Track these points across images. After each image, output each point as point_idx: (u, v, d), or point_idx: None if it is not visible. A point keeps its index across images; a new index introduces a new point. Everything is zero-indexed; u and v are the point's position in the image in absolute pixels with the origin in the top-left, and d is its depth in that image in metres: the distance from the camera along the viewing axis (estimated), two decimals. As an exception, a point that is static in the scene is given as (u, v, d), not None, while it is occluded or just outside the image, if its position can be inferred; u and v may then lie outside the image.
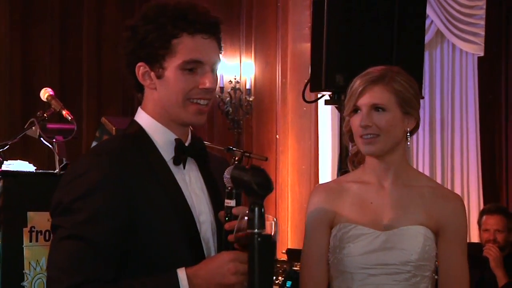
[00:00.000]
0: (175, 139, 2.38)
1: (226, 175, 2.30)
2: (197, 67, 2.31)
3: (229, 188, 2.35)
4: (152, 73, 2.32)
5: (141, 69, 2.33)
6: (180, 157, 2.38)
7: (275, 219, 2.28)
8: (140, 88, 2.38)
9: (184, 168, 2.40)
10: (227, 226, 2.35)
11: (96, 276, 2.17)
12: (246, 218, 2.22)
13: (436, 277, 2.92)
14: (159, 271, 2.23)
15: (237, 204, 2.37)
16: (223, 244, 2.35)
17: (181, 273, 2.20)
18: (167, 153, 2.37)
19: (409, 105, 2.87)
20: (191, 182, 2.42)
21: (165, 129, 2.37)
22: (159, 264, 2.26)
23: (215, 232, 2.43)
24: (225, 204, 2.38)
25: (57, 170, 4.17)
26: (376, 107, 2.83)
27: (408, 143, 2.92)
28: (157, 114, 2.36)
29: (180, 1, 2.34)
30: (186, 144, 2.42)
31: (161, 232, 2.28)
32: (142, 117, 2.39)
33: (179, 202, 2.35)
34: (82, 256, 2.18)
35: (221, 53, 2.41)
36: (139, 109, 2.41)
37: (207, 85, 2.32)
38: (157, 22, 2.29)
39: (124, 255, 2.25)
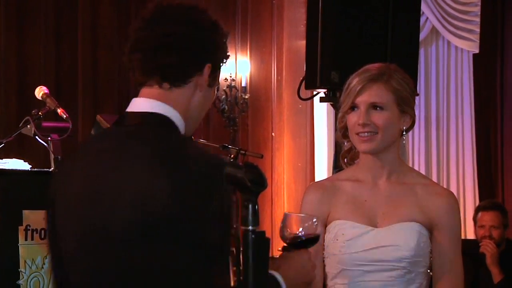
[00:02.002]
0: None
1: None
2: None
3: None
4: (210, 79, 2.32)
5: (208, 69, 2.31)
6: None
7: (314, 219, 2.45)
8: (182, 82, 2.31)
9: None
10: None
11: None
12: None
13: (431, 273, 2.93)
14: None
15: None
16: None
17: (278, 276, 2.29)
18: None
19: (406, 103, 2.88)
20: None
21: (184, 126, 2.33)
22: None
23: None
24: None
25: (52, 168, 4.17)
26: (374, 106, 2.84)
27: (404, 141, 2.94)
28: (185, 112, 2.31)
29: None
30: None
31: None
32: (174, 115, 2.27)
33: None
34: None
35: None
36: (163, 103, 2.27)
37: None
38: (226, 36, 2.36)
39: None
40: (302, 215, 2.51)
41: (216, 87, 2.38)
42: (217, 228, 2.15)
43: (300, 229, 2.45)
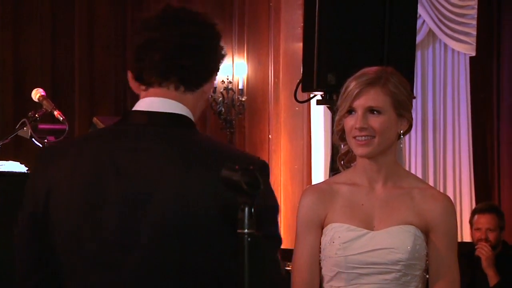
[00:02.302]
0: None
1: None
2: None
3: None
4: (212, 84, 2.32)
5: (215, 76, 2.32)
6: None
7: None
8: (195, 87, 2.30)
9: None
10: None
11: None
12: None
13: (427, 276, 2.94)
14: None
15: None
16: None
17: None
18: None
19: (403, 107, 2.88)
20: None
21: None
22: None
23: None
24: None
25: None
26: (371, 110, 2.85)
27: (401, 144, 2.94)
28: (194, 116, 2.32)
29: None
30: None
31: None
32: (189, 114, 2.25)
33: None
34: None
35: None
36: (182, 105, 2.23)
37: None
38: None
39: None
40: None
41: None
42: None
43: None
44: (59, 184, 2.13)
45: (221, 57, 2.27)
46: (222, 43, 2.28)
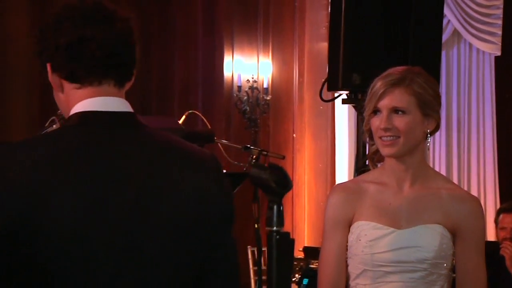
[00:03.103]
0: None
1: None
2: None
3: None
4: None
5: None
6: None
7: None
8: (127, 82, 2.31)
9: None
10: None
11: None
12: None
13: (453, 275, 2.94)
14: None
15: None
16: None
17: None
18: None
19: (429, 106, 2.88)
20: None
21: None
22: None
23: None
24: None
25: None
26: (396, 110, 2.85)
27: (428, 144, 2.94)
28: None
29: None
30: None
31: None
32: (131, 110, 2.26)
33: None
34: None
35: None
36: (126, 102, 2.23)
37: None
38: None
39: None
40: None
41: None
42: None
43: None
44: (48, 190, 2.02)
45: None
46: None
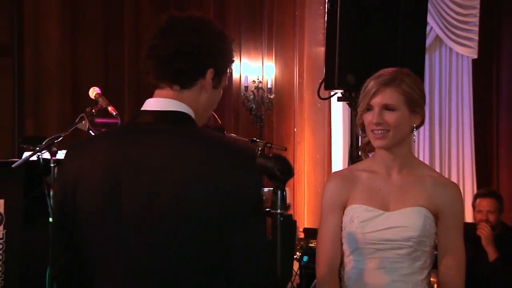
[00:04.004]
0: None
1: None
2: None
3: None
4: (213, 82, 2.31)
5: (211, 74, 2.30)
6: None
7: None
8: (189, 85, 2.33)
9: None
10: None
11: None
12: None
13: (436, 252, 2.94)
14: None
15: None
16: None
17: None
18: None
19: (416, 104, 2.88)
20: None
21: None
22: None
23: None
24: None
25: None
26: (387, 107, 2.85)
27: (414, 137, 2.94)
28: (195, 109, 2.32)
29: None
30: None
31: None
32: (189, 111, 2.28)
33: None
34: None
35: None
36: (179, 103, 2.28)
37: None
38: (231, 44, 2.36)
39: None
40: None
41: (221, 89, 2.37)
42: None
43: None
44: (83, 174, 2.16)
45: (219, 54, 2.30)
46: (223, 41, 2.31)
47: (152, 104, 2.25)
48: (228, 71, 2.37)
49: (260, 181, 2.12)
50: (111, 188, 2.12)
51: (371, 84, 2.88)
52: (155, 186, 2.10)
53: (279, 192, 2.15)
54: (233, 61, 2.38)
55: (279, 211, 2.14)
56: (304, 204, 8.74)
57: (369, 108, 2.88)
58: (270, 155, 2.24)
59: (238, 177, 2.09)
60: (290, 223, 2.16)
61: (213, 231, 2.06)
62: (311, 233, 6.62)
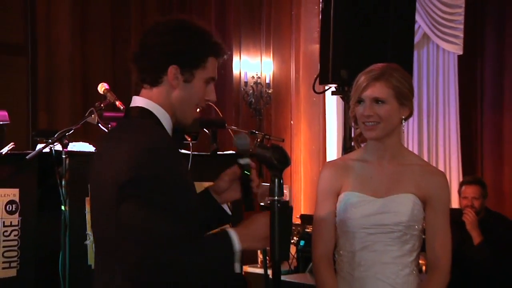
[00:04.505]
0: (174, 126, 2.39)
1: (237, 141, 2.35)
2: (211, 82, 2.40)
3: (242, 151, 2.38)
4: (182, 76, 2.32)
5: (173, 70, 2.31)
6: (177, 141, 2.47)
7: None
8: (155, 83, 2.35)
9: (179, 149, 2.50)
10: (254, 187, 2.40)
11: (178, 237, 2.14)
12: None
13: (424, 236, 2.94)
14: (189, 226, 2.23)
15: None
16: (247, 197, 2.41)
17: (232, 232, 2.20)
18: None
19: (404, 97, 2.88)
20: None
21: (169, 118, 2.36)
22: (190, 218, 2.26)
23: None
24: (241, 162, 2.38)
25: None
26: (377, 100, 2.85)
27: (403, 128, 2.94)
28: (169, 106, 2.34)
29: (207, 27, 2.41)
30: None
31: (188, 196, 2.30)
32: (153, 106, 2.34)
33: (187, 175, 2.37)
34: (164, 221, 2.13)
35: None
36: (145, 99, 2.35)
37: (213, 98, 2.43)
38: (203, 38, 2.34)
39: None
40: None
41: (204, 82, 2.35)
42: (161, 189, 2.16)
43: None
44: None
45: (180, 51, 2.30)
46: (187, 38, 2.30)
47: (132, 101, 2.39)
48: (204, 64, 2.34)
49: (136, 167, 2.16)
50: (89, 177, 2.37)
51: (362, 78, 2.88)
52: (94, 170, 2.32)
53: (276, 180, 2.14)
54: (210, 53, 2.36)
55: (276, 198, 2.14)
56: (301, 192, 8.74)
57: (360, 101, 2.88)
58: (268, 145, 2.24)
59: (119, 162, 2.18)
60: (287, 208, 2.16)
61: (110, 207, 2.17)
62: (307, 219, 6.61)
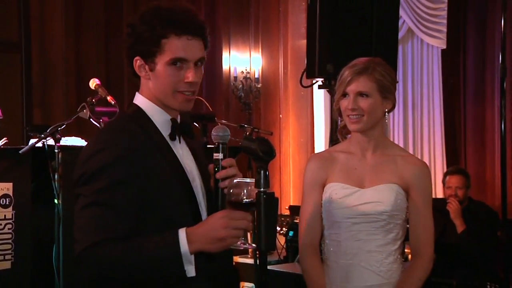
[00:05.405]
0: (171, 119, 2.30)
1: (214, 133, 2.23)
2: (182, 63, 2.23)
3: (217, 143, 2.23)
4: (147, 66, 2.24)
5: (137, 62, 2.26)
6: (175, 133, 2.29)
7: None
8: (136, 76, 2.32)
9: (179, 142, 2.32)
10: (218, 175, 2.22)
11: (113, 235, 2.06)
12: (236, 180, 2.16)
13: (407, 226, 2.94)
14: (168, 229, 2.11)
15: (224, 157, 2.24)
16: (215, 192, 2.24)
17: (182, 232, 2.06)
18: (164, 130, 2.29)
19: (387, 90, 2.87)
20: (183, 154, 2.32)
21: (161, 110, 2.29)
22: (168, 222, 2.14)
23: (204, 194, 2.32)
24: (214, 157, 2.23)
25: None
26: (361, 94, 2.84)
27: (386, 120, 2.94)
28: (153, 98, 2.28)
29: (173, 5, 2.26)
30: (179, 123, 2.33)
31: (167, 196, 2.18)
32: (141, 100, 2.30)
33: (179, 170, 2.25)
34: (101, 218, 2.07)
35: (206, 50, 2.31)
36: (137, 94, 2.32)
37: (190, 79, 2.23)
38: (150, 23, 2.22)
39: (142, 217, 2.13)
40: (249, 180, 2.17)
41: (167, 66, 2.22)
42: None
43: (244, 192, 2.15)
44: None
45: (139, 42, 2.24)
46: (144, 28, 2.23)
47: None
48: (160, 49, 2.21)
49: (88, 169, 2.13)
50: None
51: (346, 73, 2.87)
52: None
53: (262, 171, 2.12)
54: (164, 34, 2.21)
55: (262, 189, 2.12)
56: (290, 184, 8.73)
57: (344, 94, 2.87)
58: (254, 138, 2.21)
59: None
60: (272, 199, 2.14)
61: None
62: (296, 210, 6.60)
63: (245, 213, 2.12)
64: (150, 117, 2.29)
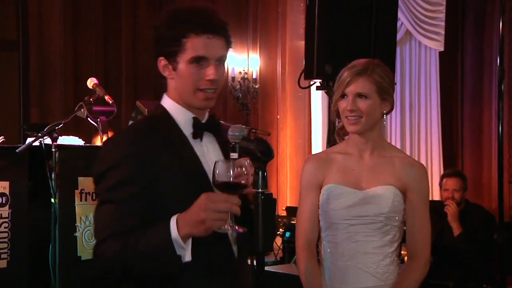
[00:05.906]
0: (193, 118, 2.32)
1: (230, 132, 2.18)
2: (203, 61, 2.25)
3: (233, 143, 2.18)
4: (170, 66, 2.28)
5: (161, 62, 2.29)
6: (197, 132, 2.31)
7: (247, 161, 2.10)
8: (162, 77, 2.34)
9: (201, 140, 2.32)
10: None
11: (120, 230, 2.10)
12: (220, 160, 2.09)
13: (404, 228, 2.93)
14: None
15: (239, 156, 2.19)
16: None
17: (173, 219, 2.07)
18: (187, 130, 2.31)
19: (386, 92, 2.87)
20: (208, 152, 2.32)
21: (185, 110, 2.31)
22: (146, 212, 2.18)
23: None
24: (231, 157, 2.17)
25: (101, 143, 4.17)
26: (359, 95, 2.84)
27: (384, 122, 2.93)
28: (177, 98, 2.32)
29: (193, 5, 2.30)
30: (204, 121, 2.35)
31: (175, 192, 2.19)
32: (166, 101, 2.34)
33: (195, 168, 2.26)
34: (111, 215, 2.13)
35: (228, 49, 2.34)
36: (164, 95, 2.37)
37: (211, 77, 2.25)
38: (171, 24, 2.26)
39: (151, 215, 2.15)
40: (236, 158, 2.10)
41: (189, 64, 2.24)
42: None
43: (229, 173, 2.04)
44: None
45: (161, 43, 2.27)
46: (167, 28, 2.25)
47: None
48: (182, 48, 2.23)
49: (100, 168, 2.20)
50: None
51: (345, 74, 2.86)
52: None
53: (260, 172, 2.11)
54: (184, 34, 2.23)
55: (260, 190, 2.11)
56: (287, 185, 8.73)
57: (343, 95, 2.87)
58: (252, 138, 2.20)
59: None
60: (270, 200, 2.13)
61: None
62: (293, 211, 6.60)
63: (228, 195, 2.03)
64: (174, 117, 2.32)
